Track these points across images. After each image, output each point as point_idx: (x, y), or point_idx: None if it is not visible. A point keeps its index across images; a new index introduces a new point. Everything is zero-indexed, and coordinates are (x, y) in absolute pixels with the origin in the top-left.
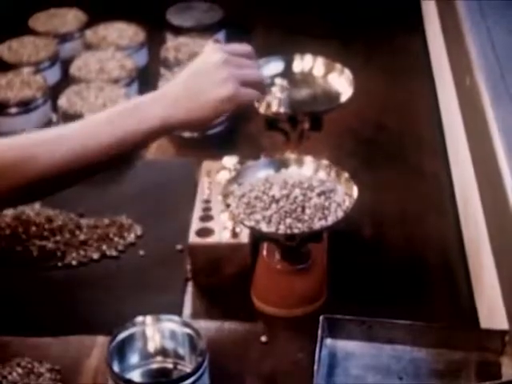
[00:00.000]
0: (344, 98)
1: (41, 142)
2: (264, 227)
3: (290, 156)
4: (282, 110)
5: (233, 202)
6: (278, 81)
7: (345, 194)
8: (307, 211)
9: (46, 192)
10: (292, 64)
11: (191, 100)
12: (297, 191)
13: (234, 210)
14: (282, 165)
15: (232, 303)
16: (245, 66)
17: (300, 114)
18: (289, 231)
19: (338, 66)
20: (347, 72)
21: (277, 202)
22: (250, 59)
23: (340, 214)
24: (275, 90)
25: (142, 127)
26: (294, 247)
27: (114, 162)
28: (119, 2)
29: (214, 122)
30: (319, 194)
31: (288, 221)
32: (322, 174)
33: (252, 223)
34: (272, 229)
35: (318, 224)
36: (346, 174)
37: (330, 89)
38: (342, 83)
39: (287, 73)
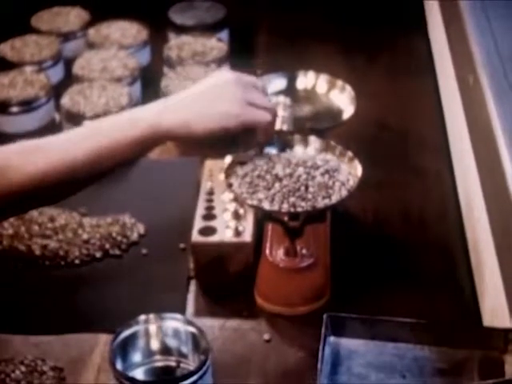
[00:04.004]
0: (346, 116)
1: (21, 151)
2: (267, 206)
3: (294, 135)
4: (284, 127)
5: (235, 181)
6: (281, 98)
7: (349, 173)
8: (311, 190)
9: (27, 204)
10: (295, 81)
11: (193, 111)
12: (300, 170)
13: (236, 190)
14: (285, 144)
15: (235, 301)
16: (254, 90)
17: (304, 131)
18: (292, 210)
19: (340, 82)
20: (349, 88)
21: (280, 180)
22: (257, 87)
23: (344, 192)
24: (278, 107)
25: (129, 134)
26: (297, 228)
27: (103, 173)
28: (122, 0)
29: (215, 136)
30: (323, 173)
31: (291, 199)
32: (325, 153)
33: (255, 202)
34: (275, 207)
35: (321, 203)
36: (349, 153)
37: (331, 106)
38: (343, 100)
39: (290, 90)
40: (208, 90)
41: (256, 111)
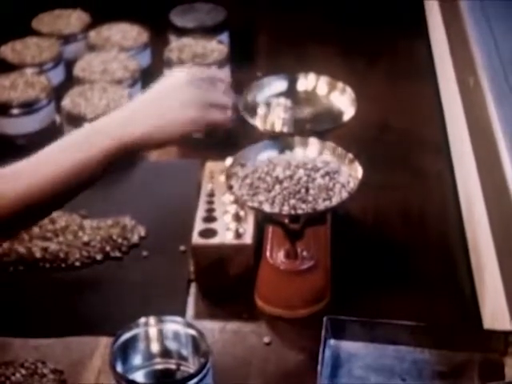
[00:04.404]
0: (346, 118)
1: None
2: (267, 208)
3: (295, 137)
4: (285, 129)
5: (236, 183)
6: (282, 100)
7: (349, 175)
8: (311, 192)
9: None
10: (296, 83)
11: (156, 117)
12: (301, 172)
13: (236, 192)
14: (285, 146)
15: (235, 304)
16: (212, 90)
17: (304, 133)
18: (293, 212)
19: (340, 84)
20: (349, 90)
21: (280, 182)
22: (213, 81)
23: (344, 194)
24: (279, 109)
25: (95, 150)
26: (297, 231)
27: (77, 189)
28: (123, 3)
29: (178, 141)
30: (323, 175)
31: (292, 202)
32: (326, 155)
33: (255, 204)
34: (275, 210)
35: (322, 205)
36: (350, 155)
37: (332, 108)
38: (344, 102)
39: (291, 92)
40: (166, 96)
41: (214, 113)
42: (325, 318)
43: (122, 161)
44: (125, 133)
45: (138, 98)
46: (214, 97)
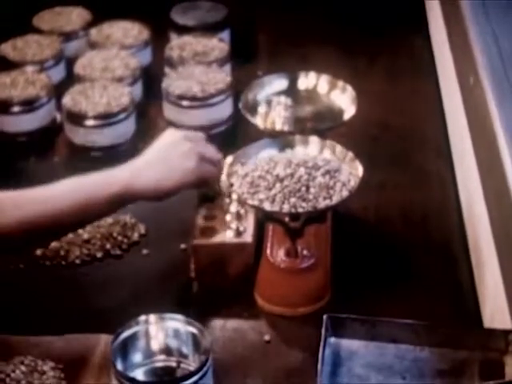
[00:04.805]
0: (347, 116)
1: (5, 199)
2: (268, 206)
3: (295, 136)
4: (285, 128)
5: (236, 181)
6: (282, 99)
7: (350, 174)
8: (312, 190)
9: (12, 247)
10: (296, 81)
11: (159, 169)
12: (301, 170)
13: (237, 190)
14: (286, 144)
15: (235, 302)
16: (205, 145)
17: (305, 131)
18: (293, 210)
19: (341, 83)
20: (350, 89)
21: (281, 181)
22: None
23: (345, 193)
24: (279, 108)
25: (104, 193)
26: (298, 229)
27: (82, 224)
28: (124, 0)
29: (175, 194)
30: (324, 174)
31: (292, 200)
32: (326, 154)
33: (255, 202)
34: (276, 208)
35: (322, 203)
36: (350, 154)
37: (333, 106)
38: (344, 100)
39: (291, 90)
40: (166, 149)
41: (208, 167)
42: (325, 316)
43: (123, 206)
44: (132, 182)
45: (140, 158)
46: (207, 150)
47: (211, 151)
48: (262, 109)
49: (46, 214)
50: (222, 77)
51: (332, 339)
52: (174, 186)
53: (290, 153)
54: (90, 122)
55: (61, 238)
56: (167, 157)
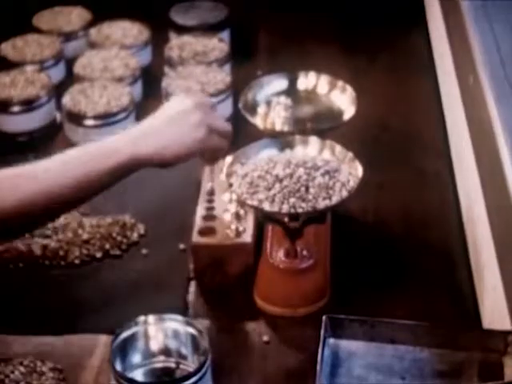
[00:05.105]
0: (347, 116)
1: (3, 179)
2: (267, 207)
3: (295, 136)
4: (285, 128)
5: (235, 181)
6: (282, 99)
7: (349, 174)
8: (311, 191)
9: (11, 231)
10: (296, 82)
11: (167, 136)
12: (301, 170)
13: (236, 190)
14: (285, 145)
15: (235, 303)
16: (215, 116)
17: (304, 131)
18: (292, 210)
19: (341, 83)
20: (349, 89)
21: (280, 181)
22: (214, 108)
23: (344, 193)
24: (279, 108)
25: (109, 162)
26: (297, 229)
27: (84, 199)
28: (123, 0)
29: (179, 162)
30: (323, 174)
31: (292, 200)
32: (326, 154)
33: (255, 203)
34: (275, 208)
35: (322, 204)
36: (350, 154)
37: (332, 107)
38: (344, 101)
39: (291, 90)
40: (175, 116)
41: (217, 139)
42: (324, 317)
43: (130, 174)
44: (135, 150)
45: (147, 120)
46: (218, 122)
47: (221, 123)
48: (261, 109)
49: (42, 191)
50: (221, 77)
51: (331, 340)
52: (181, 153)
53: (290, 153)
54: (89, 122)
55: (60, 216)
56: (177, 124)
